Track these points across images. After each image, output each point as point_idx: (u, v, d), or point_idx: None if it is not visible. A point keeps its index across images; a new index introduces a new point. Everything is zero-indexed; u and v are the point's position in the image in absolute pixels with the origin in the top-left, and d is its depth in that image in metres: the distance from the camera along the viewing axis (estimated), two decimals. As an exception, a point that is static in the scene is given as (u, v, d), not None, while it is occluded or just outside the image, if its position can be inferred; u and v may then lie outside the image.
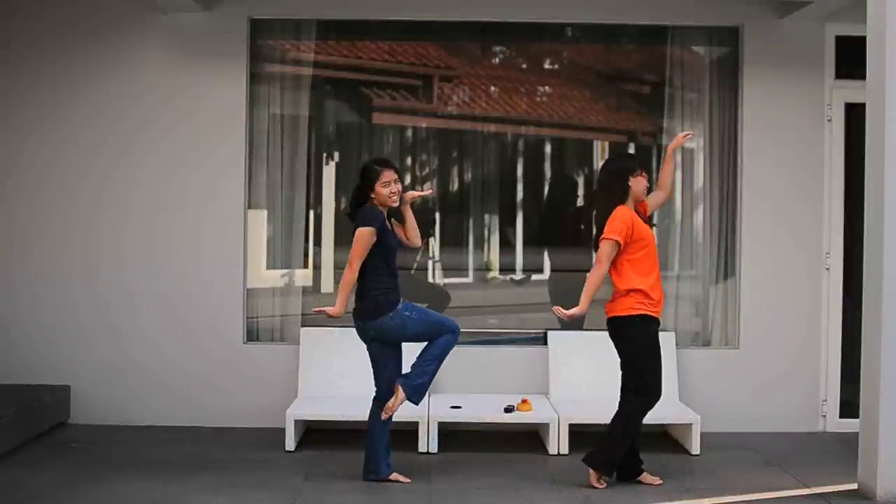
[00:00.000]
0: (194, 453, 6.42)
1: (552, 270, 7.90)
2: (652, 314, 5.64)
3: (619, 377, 5.76)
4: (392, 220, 5.78)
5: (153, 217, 7.21)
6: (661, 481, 5.79)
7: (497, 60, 8.00)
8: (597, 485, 5.68)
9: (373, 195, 5.63)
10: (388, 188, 5.61)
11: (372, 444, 5.76)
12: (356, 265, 5.58)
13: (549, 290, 7.77)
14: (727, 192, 7.38)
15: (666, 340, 7.07)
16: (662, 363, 5.73)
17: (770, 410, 7.16)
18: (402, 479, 5.75)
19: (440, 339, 5.66)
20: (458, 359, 7.17)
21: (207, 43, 7.19)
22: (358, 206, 5.69)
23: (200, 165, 7.20)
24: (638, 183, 5.71)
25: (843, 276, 7.19)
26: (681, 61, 7.48)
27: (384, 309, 5.63)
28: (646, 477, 5.81)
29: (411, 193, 5.87)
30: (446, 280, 7.92)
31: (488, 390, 7.09)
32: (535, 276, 8.01)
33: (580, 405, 6.78)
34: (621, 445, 5.68)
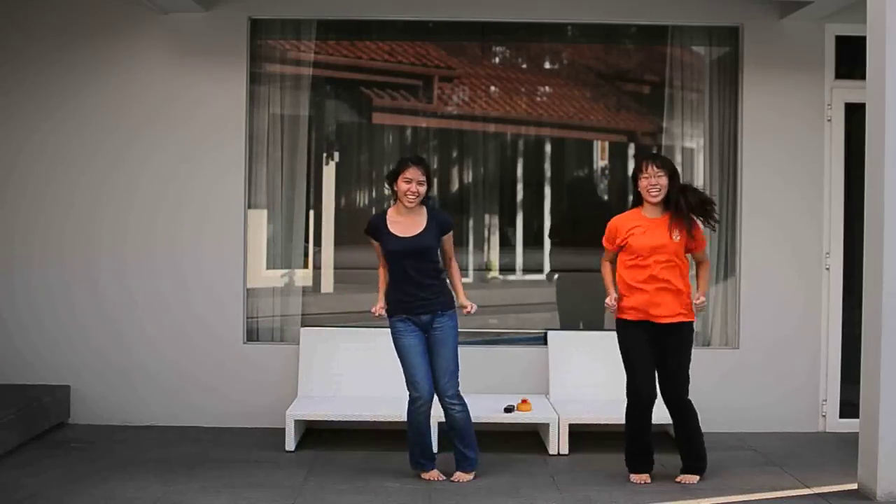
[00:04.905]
0: (194, 453, 6.42)
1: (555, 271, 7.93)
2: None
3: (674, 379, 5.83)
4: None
5: (153, 217, 7.21)
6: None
7: (497, 60, 8.00)
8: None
9: (396, 188, 5.70)
10: (407, 185, 5.64)
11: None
12: (381, 262, 5.81)
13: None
14: (727, 191, 7.38)
15: (666, 340, 7.10)
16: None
17: (770, 410, 7.16)
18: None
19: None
20: (459, 359, 7.20)
21: (207, 43, 7.19)
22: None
23: (200, 165, 7.20)
24: (640, 183, 5.77)
25: (842, 276, 7.19)
26: (681, 61, 7.48)
27: (388, 310, 5.74)
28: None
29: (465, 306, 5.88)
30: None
31: (488, 390, 7.09)
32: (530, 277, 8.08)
33: (580, 405, 6.77)
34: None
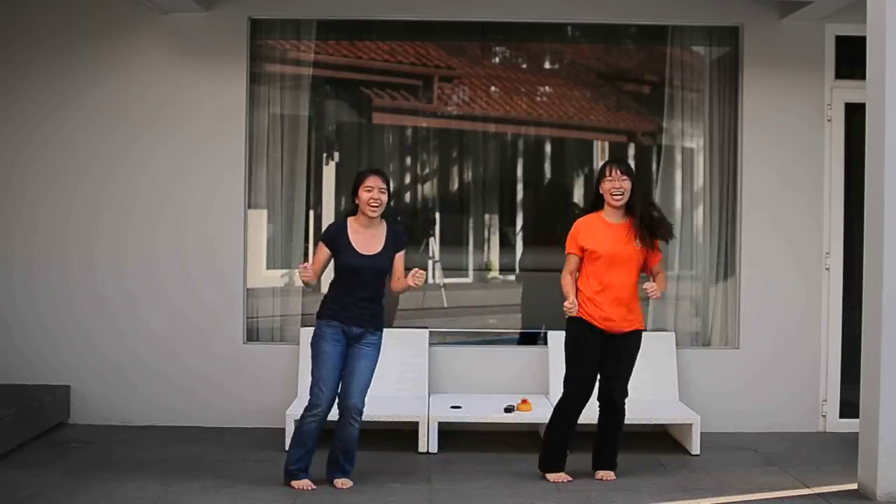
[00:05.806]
0: (194, 453, 6.42)
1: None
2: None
3: (617, 383, 5.86)
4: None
5: (153, 217, 7.21)
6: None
7: (497, 60, 8.00)
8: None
9: (357, 200, 5.64)
10: (369, 193, 5.58)
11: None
12: (313, 264, 5.68)
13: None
14: (727, 191, 7.39)
15: (666, 340, 7.11)
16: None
17: (770, 410, 7.16)
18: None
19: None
20: (459, 359, 7.21)
21: (207, 43, 7.20)
22: (349, 212, 5.74)
23: (200, 165, 7.20)
24: (602, 186, 5.80)
25: (843, 277, 7.19)
26: (681, 61, 7.48)
27: (319, 313, 5.67)
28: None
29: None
30: (446, 280, 7.92)
31: (488, 390, 7.09)
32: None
33: (580, 405, 6.77)
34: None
